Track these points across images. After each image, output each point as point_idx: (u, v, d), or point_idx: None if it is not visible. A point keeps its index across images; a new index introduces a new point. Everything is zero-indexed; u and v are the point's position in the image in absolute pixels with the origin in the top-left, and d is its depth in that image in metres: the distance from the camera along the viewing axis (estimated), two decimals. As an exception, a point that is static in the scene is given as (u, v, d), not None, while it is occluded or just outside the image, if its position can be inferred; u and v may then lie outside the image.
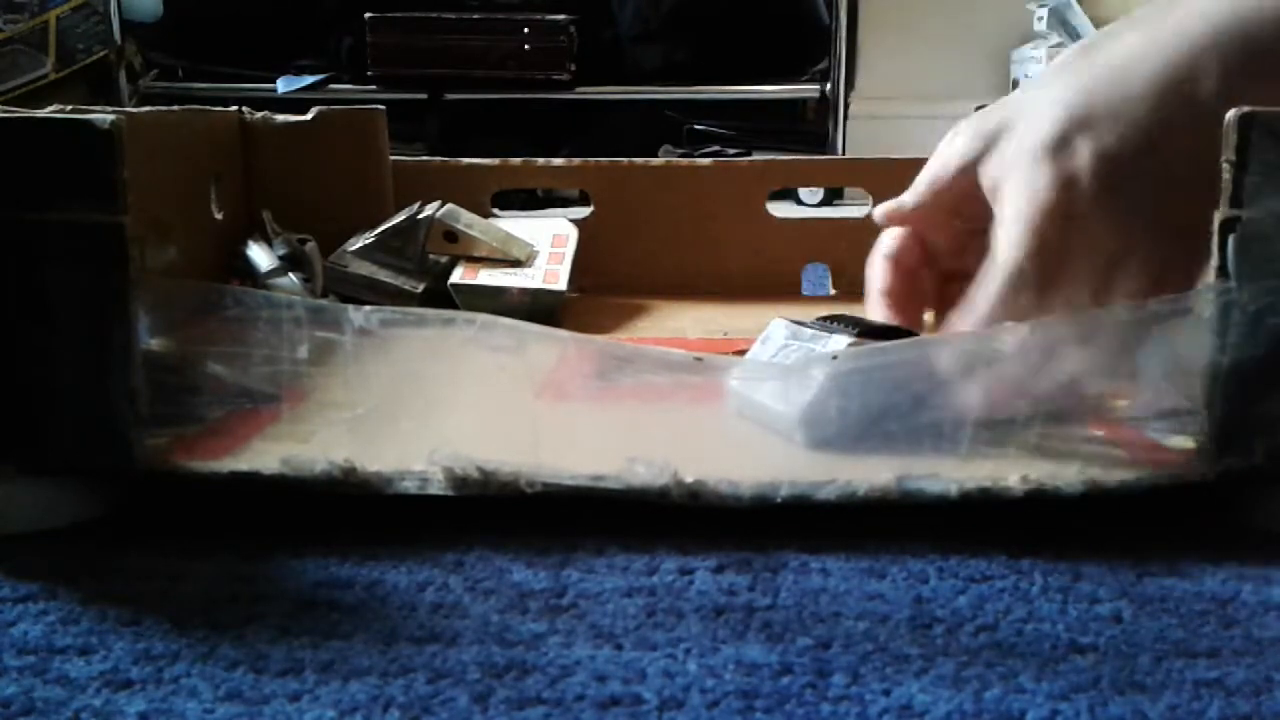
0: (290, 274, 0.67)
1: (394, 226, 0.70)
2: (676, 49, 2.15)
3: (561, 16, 2.18)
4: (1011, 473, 0.44)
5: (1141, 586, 0.41)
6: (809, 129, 2.32)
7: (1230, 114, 0.43)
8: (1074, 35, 2.20)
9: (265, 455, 0.46)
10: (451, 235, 0.72)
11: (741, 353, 0.61)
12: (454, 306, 0.68)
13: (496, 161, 0.82)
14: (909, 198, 0.51)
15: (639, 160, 0.83)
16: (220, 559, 0.43)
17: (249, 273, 0.67)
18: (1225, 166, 0.43)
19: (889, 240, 0.53)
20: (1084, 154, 0.44)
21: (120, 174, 0.43)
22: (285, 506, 0.46)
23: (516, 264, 0.73)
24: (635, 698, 0.34)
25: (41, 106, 0.46)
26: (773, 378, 0.48)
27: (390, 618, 0.39)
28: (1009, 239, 0.45)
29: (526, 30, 2.18)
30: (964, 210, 0.50)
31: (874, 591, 0.41)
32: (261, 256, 0.68)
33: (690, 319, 0.72)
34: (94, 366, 0.43)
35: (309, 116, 0.74)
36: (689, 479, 0.44)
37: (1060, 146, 0.45)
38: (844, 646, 0.37)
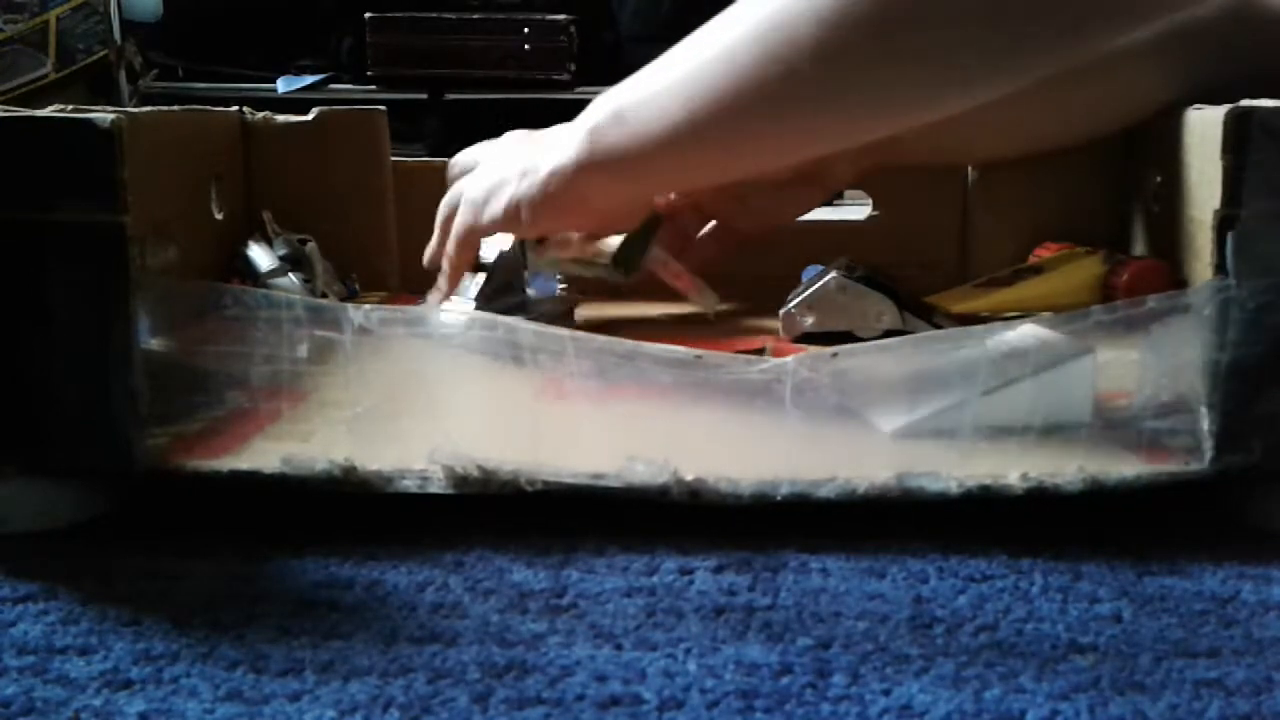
0: (290, 274, 0.67)
1: (491, 282, 0.65)
2: (676, 49, 2.15)
3: (561, 16, 2.18)
4: (1012, 470, 0.44)
5: (1141, 586, 0.41)
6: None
7: (1227, 111, 0.43)
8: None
9: (265, 454, 0.46)
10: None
11: (742, 353, 0.61)
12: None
13: (496, 161, 0.81)
14: None
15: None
16: (220, 559, 0.43)
17: (249, 273, 0.67)
18: (1222, 165, 0.43)
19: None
20: None
21: (120, 174, 0.43)
22: (285, 506, 0.46)
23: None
24: (635, 698, 0.34)
25: (41, 106, 0.46)
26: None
27: (390, 618, 0.39)
28: None
29: (526, 30, 2.18)
30: None
31: (874, 591, 0.41)
32: (262, 256, 0.67)
33: (690, 319, 0.72)
34: (94, 366, 0.43)
35: (310, 117, 0.74)
36: (689, 477, 0.44)
37: None
38: (844, 646, 0.37)
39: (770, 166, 0.63)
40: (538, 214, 0.58)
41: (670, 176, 0.58)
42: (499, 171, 0.61)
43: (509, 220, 0.59)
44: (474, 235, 0.62)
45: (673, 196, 0.65)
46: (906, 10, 0.47)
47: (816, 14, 0.47)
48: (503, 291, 0.65)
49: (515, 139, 0.64)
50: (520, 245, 0.66)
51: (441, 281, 0.65)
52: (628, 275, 0.69)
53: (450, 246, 0.63)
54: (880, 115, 0.52)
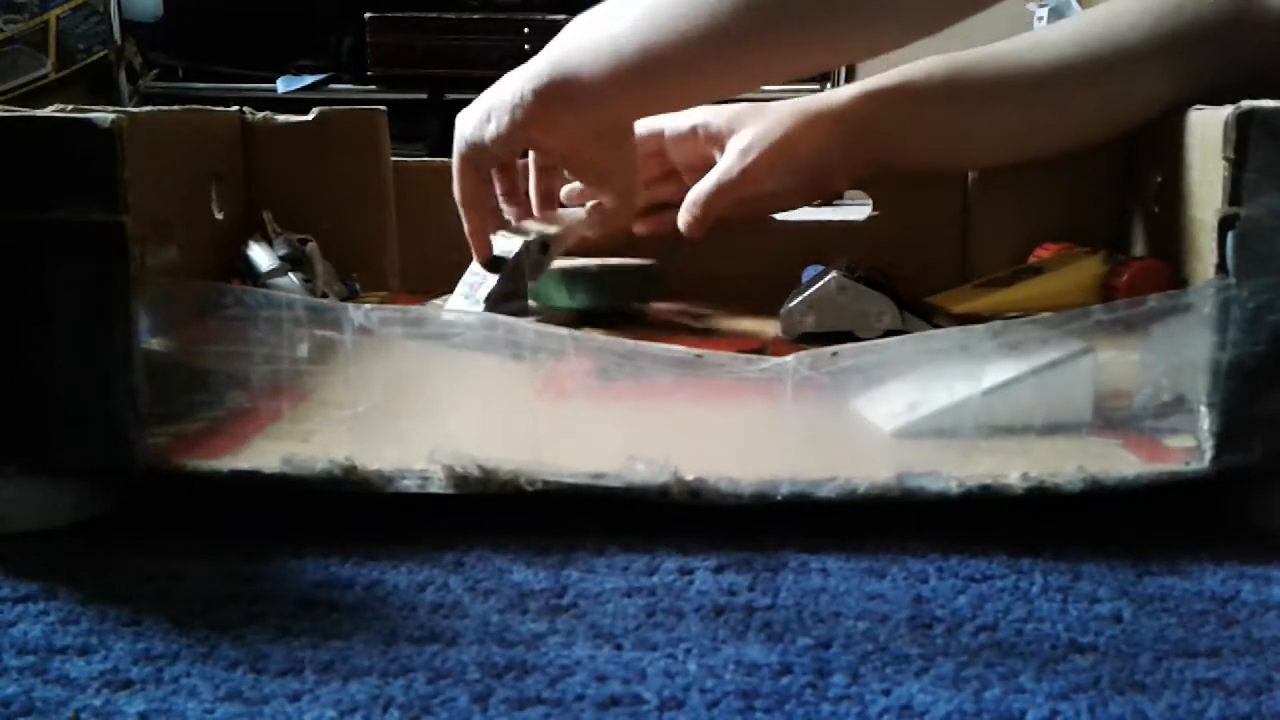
0: (291, 274, 0.67)
1: (501, 283, 0.66)
2: (677, 49, 2.15)
3: (561, 16, 2.17)
4: (1012, 470, 0.44)
5: (1141, 586, 0.41)
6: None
7: (1229, 112, 0.43)
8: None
9: (266, 454, 0.46)
10: (545, 245, 0.70)
11: (742, 353, 0.61)
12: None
13: (496, 161, 0.81)
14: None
15: (639, 160, 0.82)
16: (220, 559, 0.43)
17: (249, 273, 0.67)
18: (1224, 164, 0.43)
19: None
20: None
21: (121, 174, 0.43)
22: (285, 506, 0.46)
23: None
24: (635, 698, 0.34)
25: (41, 106, 0.46)
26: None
27: (390, 618, 0.39)
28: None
29: (526, 30, 2.18)
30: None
31: (874, 591, 0.41)
32: (262, 256, 0.67)
33: (691, 319, 0.72)
34: (94, 366, 0.43)
35: (310, 117, 0.74)
36: (689, 477, 0.44)
37: None
38: (844, 646, 0.37)
39: (713, 101, 0.69)
40: (516, 126, 0.60)
41: (619, 107, 0.61)
42: (486, 100, 0.63)
43: (498, 130, 0.61)
44: (474, 151, 0.64)
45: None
46: None
47: None
48: (508, 297, 0.65)
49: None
50: (528, 250, 0.66)
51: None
52: (609, 305, 0.71)
53: (455, 169, 0.65)
54: (817, 54, 0.59)
